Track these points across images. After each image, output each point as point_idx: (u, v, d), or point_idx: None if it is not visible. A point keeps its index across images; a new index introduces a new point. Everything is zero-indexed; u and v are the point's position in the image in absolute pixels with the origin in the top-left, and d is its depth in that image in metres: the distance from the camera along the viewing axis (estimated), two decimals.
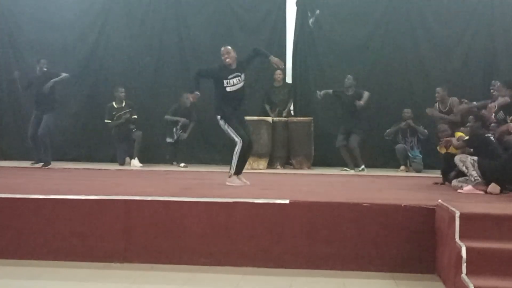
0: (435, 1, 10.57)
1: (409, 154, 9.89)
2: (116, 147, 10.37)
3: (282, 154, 10.04)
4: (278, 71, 9.94)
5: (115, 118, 10.23)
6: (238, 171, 6.83)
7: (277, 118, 10.06)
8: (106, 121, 10.32)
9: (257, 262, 5.15)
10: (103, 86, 10.89)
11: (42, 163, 9.45)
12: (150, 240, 5.26)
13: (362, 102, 9.78)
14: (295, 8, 10.91)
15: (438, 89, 9.37)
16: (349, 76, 9.96)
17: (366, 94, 9.87)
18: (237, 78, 6.71)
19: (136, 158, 9.99)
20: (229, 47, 6.76)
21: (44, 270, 5.06)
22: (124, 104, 10.27)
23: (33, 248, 5.33)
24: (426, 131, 9.71)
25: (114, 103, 10.29)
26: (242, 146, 6.64)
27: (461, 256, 4.19)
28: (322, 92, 10.04)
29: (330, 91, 10.07)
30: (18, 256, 5.30)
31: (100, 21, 11.24)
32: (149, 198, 5.39)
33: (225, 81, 6.66)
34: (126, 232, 5.29)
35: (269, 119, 9.92)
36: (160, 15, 11.14)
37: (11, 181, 7.08)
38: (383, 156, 10.42)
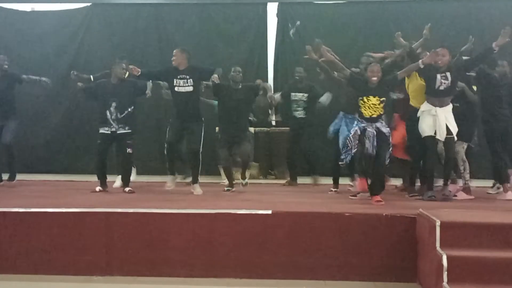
0: (414, 12, 10.68)
1: None
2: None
3: (264, 164, 10.05)
4: (258, 80, 9.92)
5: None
6: (170, 171, 7.56)
7: (259, 128, 10.06)
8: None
9: (240, 273, 5.15)
10: (83, 99, 10.82)
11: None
12: (132, 252, 5.24)
13: (272, 95, 7.81)
14: (275, 19, 10.98)
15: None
16: (237, 68, 7.63)
17: (268, 85, 7.97)
18: (183, 81, 7.10)
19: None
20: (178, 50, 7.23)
21: (25, 284, 5.02)
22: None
23: (14, 261, 5.28)
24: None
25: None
26: (166, 148, 7.41)
27: (442, 265, 4.24)
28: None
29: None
30: None
31: (80, 33, 11.20)
32: (130, 210, 5.36)
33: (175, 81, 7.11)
34: (108, 244, 5.26)
35: (251, 129, 9.92)
36: (141, 27, 11.13)
37: None
38: None
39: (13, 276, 5.17)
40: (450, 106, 6.43)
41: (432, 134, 6.38)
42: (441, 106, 6.38)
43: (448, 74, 6.35)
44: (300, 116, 8.59)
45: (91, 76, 8.25)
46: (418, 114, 6.54)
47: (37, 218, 5.37)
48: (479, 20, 10.61)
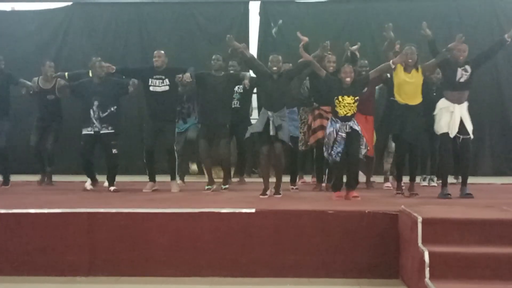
0: (394, 11, 10.74)
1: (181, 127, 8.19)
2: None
3: (248, 162, 10.05)
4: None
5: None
6: (150, 178, 7.42)
7: None
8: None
9: (224, 272, 5.16)
10: (65, 99, 10.74)
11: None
12: (115, 252, 5.22)
13: (248, 82, 7.37)
14: (258, 18, 11.00)
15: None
16: (217, 55, 7.56)
17: (248, 75, 7.56)
18: (159, 81, 7.25)
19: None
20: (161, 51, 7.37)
21: (7, 286, 4.96)
22: (54, 83, 8.33)
23: None
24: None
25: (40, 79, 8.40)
26: (144, 156, 7.38)
27: (424, 261, 4.28)
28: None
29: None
30: None
31: (61, 32, 11.13)
32: (113, 210, 5.34)
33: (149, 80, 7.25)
34: (91, 245, 5.23)
35: None
36: (122, 25, 11.09)
37: None
38: None
39: None
40: (467, 103, 6.53)
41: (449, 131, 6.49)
42: (459, 101, 6.45)
43: (467, 67, 6.46)
44: (234, 106, 8.14)
45: (66, 74, 8.27)
46: (436, 111, 6.62)
47: (19, 219, 5.32)
48: (461, 17, 10.72)
